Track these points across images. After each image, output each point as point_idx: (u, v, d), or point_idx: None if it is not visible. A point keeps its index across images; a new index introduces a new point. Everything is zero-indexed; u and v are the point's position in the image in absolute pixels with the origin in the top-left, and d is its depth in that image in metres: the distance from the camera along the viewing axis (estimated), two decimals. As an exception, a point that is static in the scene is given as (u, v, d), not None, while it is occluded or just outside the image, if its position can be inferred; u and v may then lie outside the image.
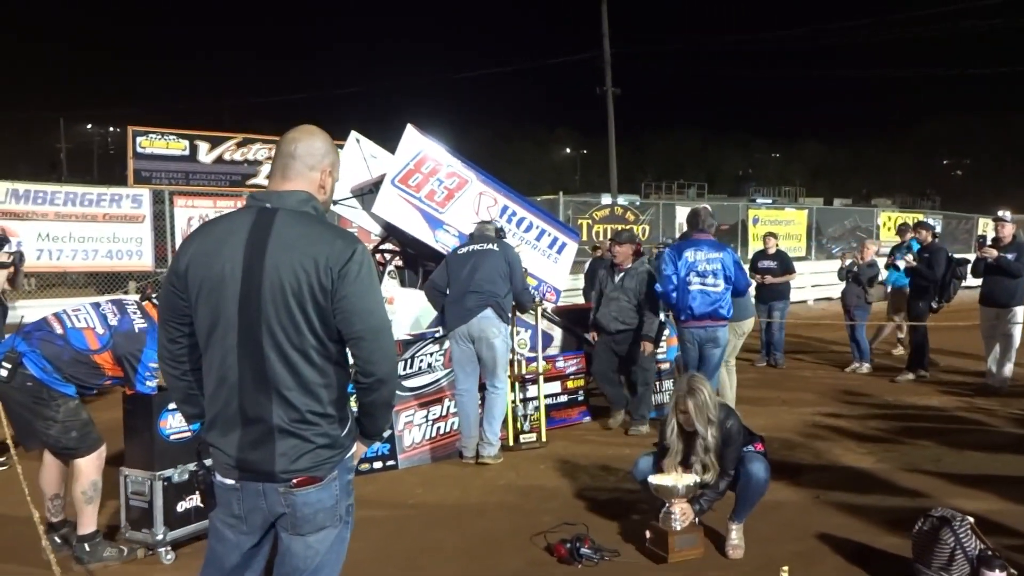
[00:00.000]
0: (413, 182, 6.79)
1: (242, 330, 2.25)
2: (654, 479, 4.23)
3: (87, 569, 4.09)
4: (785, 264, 10.60)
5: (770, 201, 37.89)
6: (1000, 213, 9.19)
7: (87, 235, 11.06)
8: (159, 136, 13.31)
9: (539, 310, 6.74)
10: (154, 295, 4.38)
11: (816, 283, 19.49)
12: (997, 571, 3.48)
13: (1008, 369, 8.49)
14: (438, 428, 6.24)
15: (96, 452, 4.17)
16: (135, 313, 4.26)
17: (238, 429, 2.29)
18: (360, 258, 2.30)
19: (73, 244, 10.96)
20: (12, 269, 5.91)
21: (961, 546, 3.60)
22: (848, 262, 10.49)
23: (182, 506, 4.23)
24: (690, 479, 4.15)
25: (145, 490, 4.13)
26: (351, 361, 2.36)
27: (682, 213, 19.85)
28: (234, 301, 2.25)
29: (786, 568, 3.32)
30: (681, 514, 4.13)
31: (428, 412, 6.21)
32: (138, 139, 13.13)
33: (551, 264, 7.52)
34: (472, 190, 7.03)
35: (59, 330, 4.08)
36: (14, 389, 4.02)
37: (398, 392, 6.14)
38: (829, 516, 4.87)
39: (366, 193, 7.44)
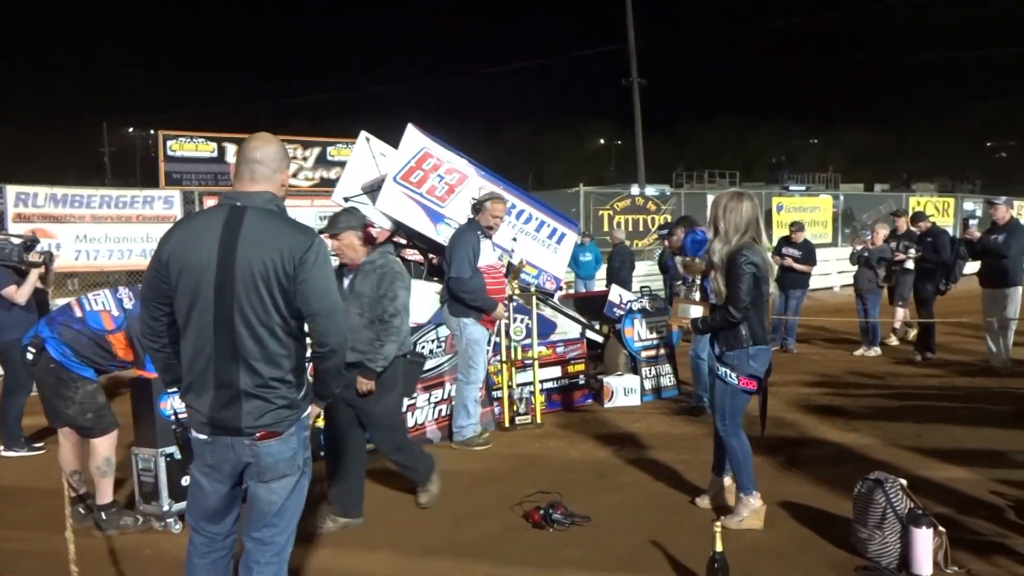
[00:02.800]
0: (415, 178, 7.16)
1: (217, 310, 2.68)
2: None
3: (105, 535, 4.54)
4: (808, 255, 10.74)
5: (803, 188, 37.57)
6: (1003, 198, 9.31)
7: (122, 236, 11.65)
8: (188, 139, 13.87)
9: (534, 297, 7.06)
10: None
11: (842, 269, 19.47)
12: (924, 527, 3.74)
13: (1007, 348, 8.61)
14: (440, 410, 6.60)
15: (110, 433, 4.62)
16: None
17: (211, 392, 2.73)
18: (317, 248, 2.74)
19: (109, 244, 11.54)
20: (43, 268, 6.41)
21: (892, 505, 3.86)
22: (859, 247, 10.64)
23: (185, 479, 4.63)
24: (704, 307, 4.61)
25: (151, 466, 4.56)
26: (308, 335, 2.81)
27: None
28: (211, 286, 2.68)
29: (718, 523, 3.62)
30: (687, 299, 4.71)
31: (430, 395, 6.57)
32: (169, 143, 13.72)
33: (551, 254, 7.84)
34: (472, 185, 7.36)
35: (79, 313, 4.55)
36: (40, 371, 4.51)
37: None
38: (797, 485, 5.15)
39: (375, 190, 7.80)
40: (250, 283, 2.66)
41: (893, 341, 10.85)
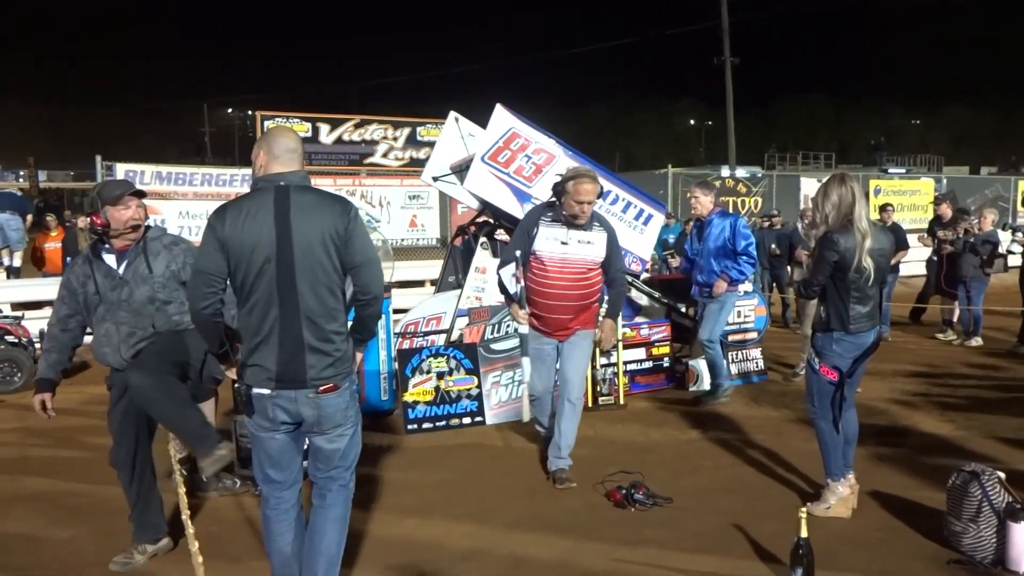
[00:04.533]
0: (502, 158, 7.20)
1: (280, 275, 3.01)
2: None
3: (206, 495, 4.80)
4: (898, 238, 10.36)
5: (903, 171, 36.05)
6: None
7: (223, 213, 12.11)
8: (284, 119, 14.32)
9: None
10: None
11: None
12: (1022, 522, 3.60)
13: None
14: (523, 388, 6.68)
15: (210, 399, 4.84)
16: None
17: (276, 349, 3.04)
18: (355, 211, 3.16)
19: (210, 221, 12.04)
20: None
21: (988, 499, 3.74)
22: (962, 232, 10.20)
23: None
24: None
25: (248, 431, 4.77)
26: (350, 288, 3.17)
27: (806, 184, 19.50)
28: (272, 255, 3.00)
29: (804, 509, 3.57)
30: None
31: (514, 373, 6.66)
32: (265, 123, 14.17)
33: (637, 235, 7.77)
34: (560, 165, 7.34)
35: None
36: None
37: (486, 354, 6.66)
38: (888, 475, 5.03)
39: (464, 170, 7.89)
40: (310, 248, 3.01)
41: (951, 335, 10.11)
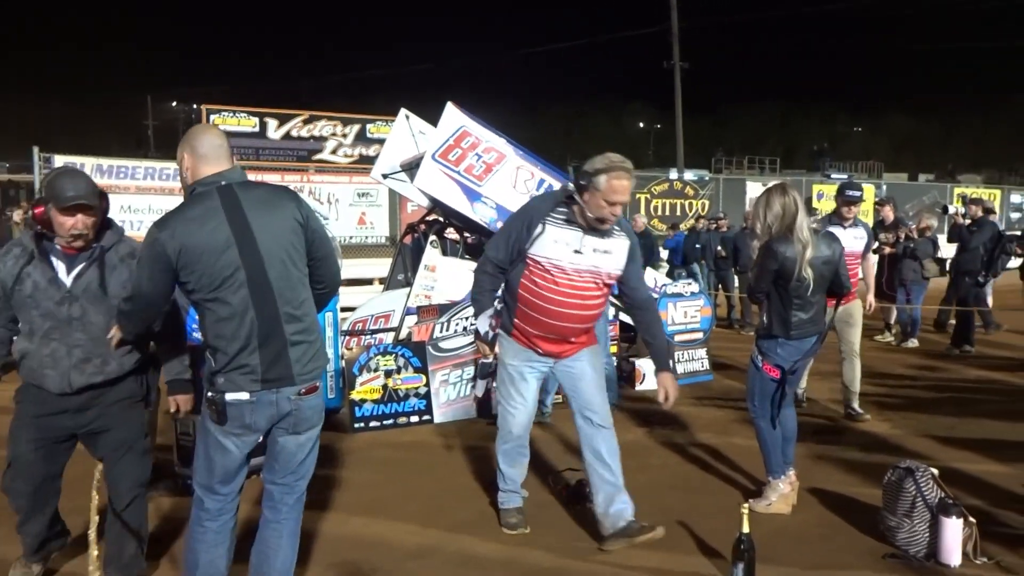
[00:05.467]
0: (453, 156, 7.20)
1: (251, 275, 2.86)
2: None
3: None
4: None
5: (845, 176, 36.96)
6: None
7: (165, 207, 11.81)
8: (231, 114, 14.11)
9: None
10: None
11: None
12: (953, 517, 3.73)
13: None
14: (472, 387, 6.68)
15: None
16: None
17: (258, 352, 2.89)
18: (304, 200, 3.09)
19: (152, 216, 11.77)
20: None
21: (922, 494, 3.86)
22: (903, 237, 10.49)
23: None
24: None
25: (190, 430, 4.68)
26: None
27: (752, 188, 19.83)
28: (236, 257, 2.84)
29: (746, 505, 3.64)
30: None
31: (462, 372, 6.65)
32: (212, 117, 13.96)
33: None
34: (510, 164, 7.38)
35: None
36: None
37: (435, 352, 6.64)
38: (826, 472, 5.16)
39: (414, 167, 7.87)
40: (276, 244, 2.90)
41: (889, 337, 10.41)
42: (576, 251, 3.79)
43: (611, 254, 3.87)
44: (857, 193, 6.56)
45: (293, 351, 2.94)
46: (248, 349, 2.87)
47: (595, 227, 3.80)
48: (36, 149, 11.25)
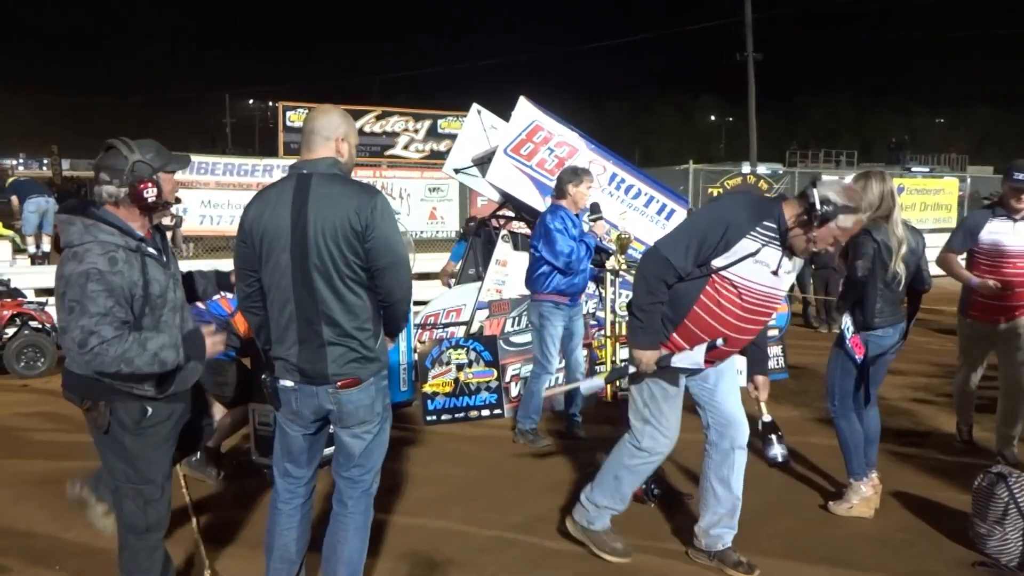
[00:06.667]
0: (525, 151, 7.19)
1: (295, 269, 2.89)
2: None
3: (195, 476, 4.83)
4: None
5: (927, 169, 35.74)
6: None
7: (243, 202, 12.14)
8: (306, 110, 14.35)
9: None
10: None
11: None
12: (1050, 525, 3.57)
13: None
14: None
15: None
16: None
17: (297, 344, 2.94)
18: (380, 204, 2.89)
19: (231, 211, 12.10)
20: (171, 232, 6.79)
21: (1015, 501, 3.70)
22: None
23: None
24: None
25: (269, 420, 4.79)
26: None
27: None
28: (287, 247, 2.88)
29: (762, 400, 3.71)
30: None
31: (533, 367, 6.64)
32: (288, 114, 14.26)
33: (659, 230, 7.74)
34: (582, 158, 7.35)
35: (202, 305, 4.81)
36: None
37: (506, 347, 6.66)
38: (911, 475, 4.99)
39: (486, 162, 7.89)
40: (324, 242, 2.84)
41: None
42: (773, 272, 3.42)
43: (791, 275, 3.58)
44: None
45: (331, 351, 2.92)
46: (287, 340, 2.94)
47: (797, 253, 3.48)
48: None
